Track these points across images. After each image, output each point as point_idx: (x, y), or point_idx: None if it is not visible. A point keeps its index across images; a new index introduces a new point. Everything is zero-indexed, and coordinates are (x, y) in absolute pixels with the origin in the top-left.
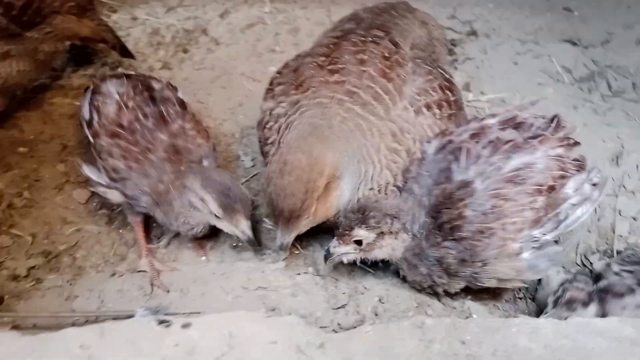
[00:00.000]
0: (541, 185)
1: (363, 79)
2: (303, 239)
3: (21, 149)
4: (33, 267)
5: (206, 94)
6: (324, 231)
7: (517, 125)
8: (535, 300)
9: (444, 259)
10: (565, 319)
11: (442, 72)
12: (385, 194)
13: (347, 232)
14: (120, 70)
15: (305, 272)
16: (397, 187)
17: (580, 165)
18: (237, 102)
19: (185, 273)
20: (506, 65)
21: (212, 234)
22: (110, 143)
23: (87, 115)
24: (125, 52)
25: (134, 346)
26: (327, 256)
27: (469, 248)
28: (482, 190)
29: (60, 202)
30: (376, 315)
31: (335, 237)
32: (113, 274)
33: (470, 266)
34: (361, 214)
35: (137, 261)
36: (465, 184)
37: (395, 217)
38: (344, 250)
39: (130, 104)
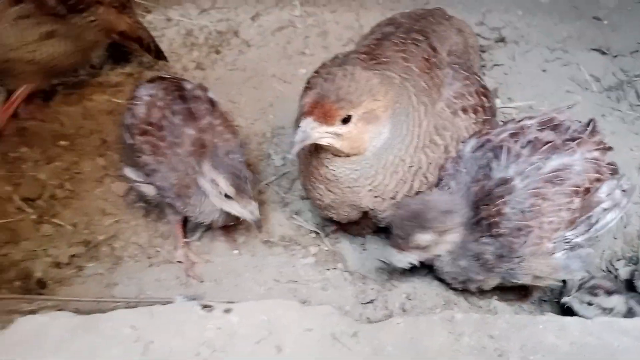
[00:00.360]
0: (578, 187)
1: (408, 72)
2: (331, 235)
3: (62, 143)
4: (74, 255)
5: (238, 94)
6: (351, 229)
7: (554, 127)
8: (560, 303)
9: (482, 254)
10: (588, 303)
11: (478, 78)
12: (412, 182)
13: (405, 240)
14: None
15: (334, 268)
16: (426, 178)
17: (614, 170)
18: (267, 102)
19: (218, 265)
20: (535, 72)
21: (245, 229)
22: (141, 141)
23: (126, 121)
24: (159, 54)
25: (180, 328)
26: (387, 268)
27: (507, 245)
28: (521, 189)
29: (100, 194)
30: (404, 311)
31: (392, 248)
32: (150, 265)
33: (507, 262)
34: (416, 218)
35: (172, 252)
36: (505, 182)
37: (454, 212)
38: (406, 259)
39: (160, 103)
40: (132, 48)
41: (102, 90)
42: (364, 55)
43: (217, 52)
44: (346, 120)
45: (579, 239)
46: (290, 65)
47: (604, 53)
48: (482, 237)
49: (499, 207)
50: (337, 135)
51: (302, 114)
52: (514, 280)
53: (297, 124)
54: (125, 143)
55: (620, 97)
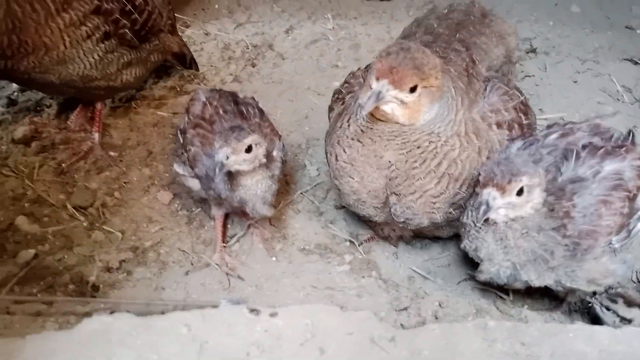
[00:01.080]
0: (629, 192)
1: (448, 72)
2: (365, 243)
3: (112, 153)
4: (123, 261)
5: (274, 106)
6: (384, 233)
7: (601, 134)
8: (588, 313)
9: (549, 246)
10: (606, 307)
11: (518, 94)
12: (442, 159)
13: (510, 180)
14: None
15: (369, 276)
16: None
17: None
18: (303, 114)
19: (257, 271)
20: (566, 83)
21: (282, 236)
22: (193, 134)
23: (181, 125)
24: (194, 65)
25: (231, 330)
26: (487, 210)
27: (571, 246)
28: (588, 190)
29: (146, 203)
30: (436, 318)
31: (494, 189)
32: (194, 269)
33: (569, 263)
34: (520, 159)
35: (212, 256)
36: (579, 179)
37: (540, 164)
38: (504, 203)
39: (214, 103)
40: (173, 62)
41: (147, 104)
42: None
43: (253, 65)
44: (413, 89)
45: (617, 245)
46: (323, 78)
47: (636, 63)
48: (554, 229)
49: (570, 207)
50: (402, 102)
51: (377, 76)
52: (568, 285)
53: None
54: (178, 142)
55: None
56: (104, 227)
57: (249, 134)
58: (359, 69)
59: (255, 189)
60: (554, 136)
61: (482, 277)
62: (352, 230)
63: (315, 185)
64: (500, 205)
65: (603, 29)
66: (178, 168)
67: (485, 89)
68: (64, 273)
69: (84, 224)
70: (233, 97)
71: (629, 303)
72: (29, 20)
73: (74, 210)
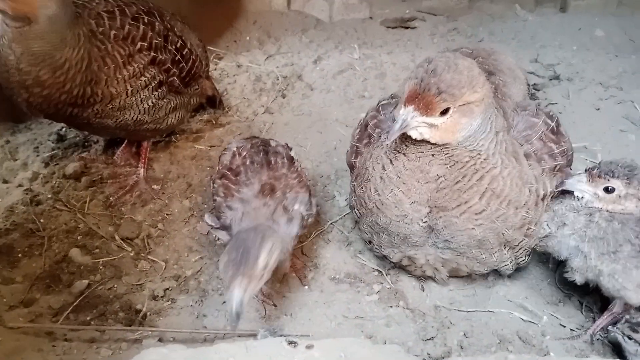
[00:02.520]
0: None
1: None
2: (392, 273)
3: (155, 187)
4: (167, 289)
5: (304, 138)
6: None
7: None
8: (611, 342)
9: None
10: (628, 337)
11: (549, 120)
12: (482, 178)
13: (604, 177)
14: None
15: (396, 306)
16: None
17: None
18: (331, 146)
19: (292, 300)
20: (588, 110)
21: (313, 266)
22: (219, 184)
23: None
24: (221, 105)
25: None
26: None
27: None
28: None
29: (187, 233)
30: (462, 348)
31: (586, 174)
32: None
33: (630, 260)
34: (628, 169)
35: None
36: None
37: None
38: (588, 189)
39: (244, 153)
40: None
41: (186, 137)
42: None
43: (284, 97)
44: (444, 112)
45: None
46: (351, 110)
47: None
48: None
49: None
50: (432, 125)
51: (403, 103)
52: (619, 280)
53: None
54: (210, 192)
55: None
56: (149, 256)
57: (261, 248)
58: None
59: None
60: None
61: (553, 241)
62: (379, 260)
63: (344, 215)
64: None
65: (627, 53)
66: (208, 218)
67: (512, 118)
68: (114, 301)
69: (131, 254)
70: (264, 145)
71: None
72: (102, 74)
73: (122, 242)
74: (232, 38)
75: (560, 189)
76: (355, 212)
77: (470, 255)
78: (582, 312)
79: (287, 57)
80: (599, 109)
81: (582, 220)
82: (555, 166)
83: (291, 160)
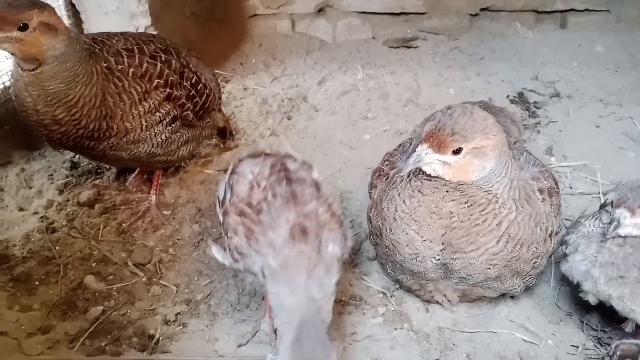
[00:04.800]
0: None
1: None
2: (397, 295)
3: (165, 212)
4: (179, 313)
5: (310, 160)
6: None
7: None
8: None
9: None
10: None
11: (544, 164)
12: (500, 222)
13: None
14: (260, 148)
15: (401, 328)
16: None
17: None
18: (336, 168)
19: None
20: (588, 128)
21: None
22: (237, 222)
23: (221, 195)
24: (232, 136)
25: None
26: (617, 227)
27: None
28: None
29: (197, 257)
30: None
31: (623, 209)
32: (242, 320)
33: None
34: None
35: (259, 312)
36: None
37: None
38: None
39: (263, 183)
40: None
41: (195, 162)
42: None
43: (289, 118)
44: (457, 151)
45: None
46: (355, 132)
47: None
48: None
49: None
50: (445, 163)
51: (420, 141)
52: (628, 304)
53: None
54: (217, 216)
55: None
56: (161, 281)
57: None
58: (395, 149)
59: None
60: None
61: (566, 266)
62: (384, 282)
63: (350, 237)
64: (629, 224)
65: (626, 69)
66: (217, 254)
67: (521, 159)
68: (128, 327)
69: (143, 279)
70: (285, 170)
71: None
72: (117, 109)
73: (135, 267)
74: (238, 61)
75: (613, 233)
76: (371, 239)
77: (485, 286)
78: (583, 331)
79: (292, 78)
80: (598, 126)
81: (594, 247)
82: (558, 204)
83: (317, 187)
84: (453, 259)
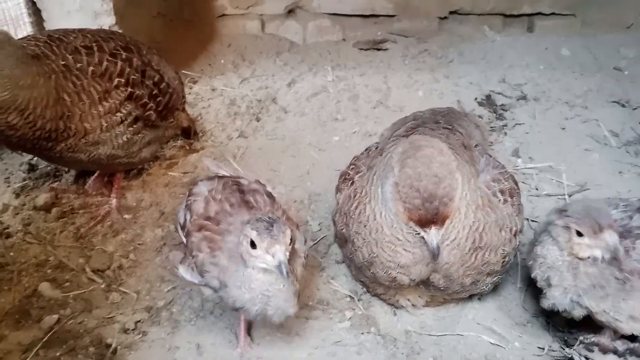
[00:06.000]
0: None
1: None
2: (364, 299)
3: (126, 216)
4: (139, 321)
5: (278, 162)
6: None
7: None
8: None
9: (605, 276)
10: (585, 357)
11: (505, 167)
12: (474, 237)
13: (595, 228)
14: (213, 172)
15: (368, 332)
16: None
17: None
18: (305, 170)
19: (266, 327)
20: (554, 130)
21: None
22: (199, 238)
23: (181, 219)
24: (196, 136)
25: None
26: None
27: (622, 280)
28: None
29: (159, 263)
30: None
31: (588, 230)
32: (205, 328)
33: (618, 294)
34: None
35: (224, 318)
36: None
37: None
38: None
39: (218, 197)
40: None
41: (159, 164)
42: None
43: (258, 120)
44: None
45: None
46: (324, 133)
47: (623, 106)
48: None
49: (630, 247)
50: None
51: (422, 227)
52: (611, 314)
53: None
54: (180, 241)
55: (638, 151)
56: (120, 288)
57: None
58: (362, 153)
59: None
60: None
61: (547, 303)
62: (352, 286)
63: (318, 241)
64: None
65: (592, 72)
66: (185, 273)
67: (481, 162)
68: (84, 336)
69: (102, 286)
70: (237, 184)
71: (604, 350)
72: (76, 109)
73: (93, 274)
74: (206, 62)
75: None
76: (337, 241)
77: (459, 291)
78: (549, 332)
79: (261, 80)
80: (564, 129)
81: (569, 277)
82: (519, 205)
83: (271, 197)
84: (435, 276)
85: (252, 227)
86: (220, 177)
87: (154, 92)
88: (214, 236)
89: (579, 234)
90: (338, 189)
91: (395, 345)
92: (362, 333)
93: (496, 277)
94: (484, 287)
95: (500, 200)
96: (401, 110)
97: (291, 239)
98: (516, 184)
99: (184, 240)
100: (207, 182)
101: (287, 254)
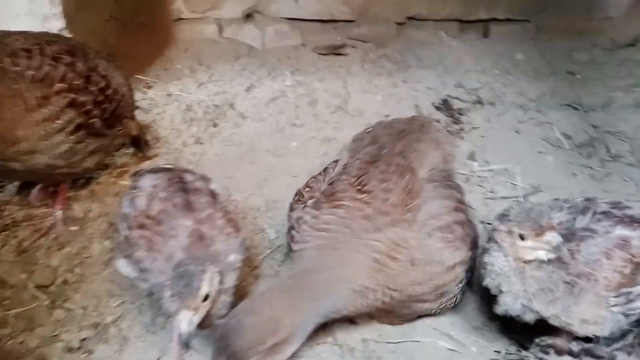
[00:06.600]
0: (633, 257)
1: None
2: None
3: (73, 228)
4: (84, 339)
5: (235, 169)
6: None
7: (620, 209)
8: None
9: (552, 279)
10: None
11: (457, 192)
12: None
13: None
14: (159, 165)
15: (324, 342)
16: None
17: None
18: (262, 176)
19: None
20: (509, 134)
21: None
22: (138, 235)
23: (126, 209)
24: (146, 147)
25: None
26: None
27: (571, 284)
28: (594, 241)
29: (107, 277)
30: None
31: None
32: (155, 345)
33: (568, 298)
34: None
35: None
36: (589, 230)
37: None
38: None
39: (162, 194)
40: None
41: (109, 173)
42: (354, 180)
43: (215, 126)
44: None
45: (615, 308)
46: (282, 139)
47: (575, 109)
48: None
49: (575, 249)
50: None
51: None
52: (564, 319)
53: None
54: (121, 233)
55: (591, 153)
56: (65, 304)
57: (202, 272)
58: (319, 173)
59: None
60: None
61: (500, 309)
62: None
63: (275, 249)
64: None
65: (546, 75)
66: (124, 267)
67: (427, 193)
68: (26, 356)
69: (45, 303)
70: (182, 181)
71: (559, 352)
72: (7, 114)
73: (36, 290)
74: (162, 66)
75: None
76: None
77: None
78: (505, 336)
79: (219, 85)
80: (518, 132)
81: (517, 282)
82: (464, 235)
83: (214, 195)
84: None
85: (167, 286)
86: (166, 170)
87: (98, 99)
88: (154, 237)
89: (522, 237)
90: (291, 207)
91: (352, 354)
92: (319, 344)
93: (445, 299)
94: (431, 310)
95: (433, 237)
96: (360, 115)
97: (207, 296)
98: (463, 211)
99: (127, 232)
100: (152, 175)
101: (198, 315)
